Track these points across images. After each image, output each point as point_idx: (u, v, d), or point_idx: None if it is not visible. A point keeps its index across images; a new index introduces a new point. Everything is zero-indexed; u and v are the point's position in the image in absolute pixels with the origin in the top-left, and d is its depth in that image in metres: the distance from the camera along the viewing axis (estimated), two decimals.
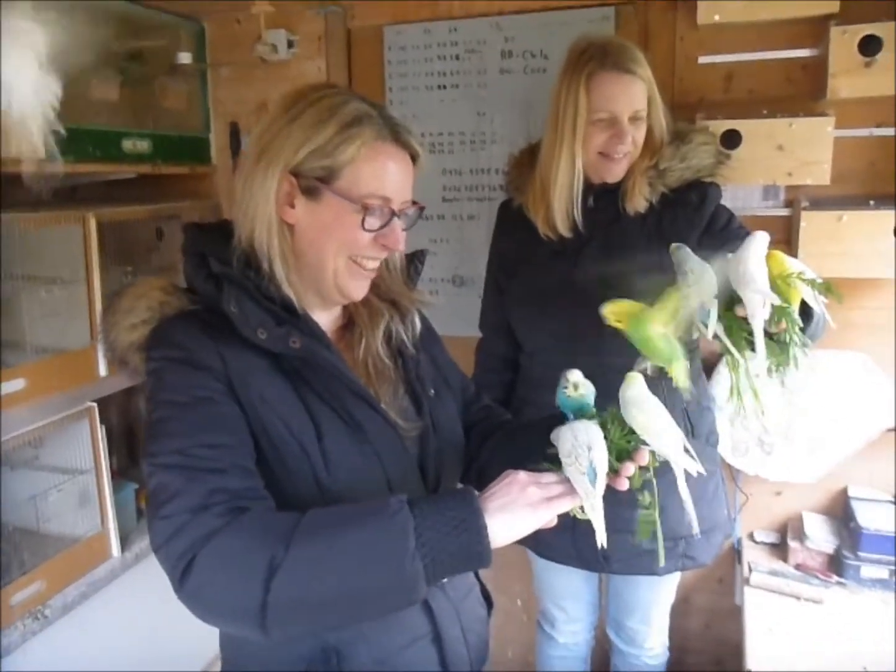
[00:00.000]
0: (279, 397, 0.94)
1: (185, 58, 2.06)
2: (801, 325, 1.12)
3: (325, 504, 0.89)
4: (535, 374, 1.71)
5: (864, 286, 1.77)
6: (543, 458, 0.95)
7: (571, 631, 1.91)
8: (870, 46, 1.58)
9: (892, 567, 1.72)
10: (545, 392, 1.60)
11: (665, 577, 1.67)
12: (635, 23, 1.90)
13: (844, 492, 1.91)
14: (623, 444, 0.94)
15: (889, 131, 1.73)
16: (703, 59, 1.85)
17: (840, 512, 1.92)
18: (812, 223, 1.68)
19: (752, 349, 1.17)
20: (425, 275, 2.16)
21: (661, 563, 0.98)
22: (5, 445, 1.52)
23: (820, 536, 1.85)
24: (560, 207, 1.55)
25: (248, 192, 0.96)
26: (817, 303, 1.14)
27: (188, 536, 0.82)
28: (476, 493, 0.87)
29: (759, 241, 1.12)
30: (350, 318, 1.10)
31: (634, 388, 0.99)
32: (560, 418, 1.04)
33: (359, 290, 1.01)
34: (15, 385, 1.51)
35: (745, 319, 1.14)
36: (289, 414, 0.94)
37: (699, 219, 1.55)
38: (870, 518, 1.77)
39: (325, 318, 1.05)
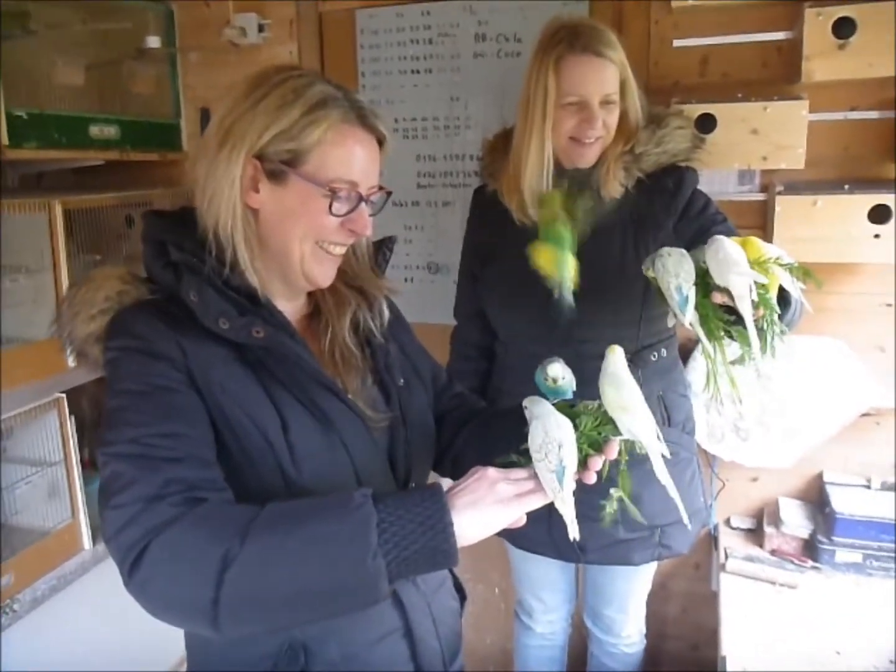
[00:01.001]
0: (242, 388, 0.92)
1: (153, 41, 2.01)
2: (779, 311, 1.11)
3: (288, 495, 0.87)
4: (509, 362, 1.69)
5: (838, 271, 1.76)
6: (515, 451, 0.93)
7: (548, 620, 1.91)
8: (843, 28, 1.56)
9: (866, 551, 1.73)
10: (520, 380, 1.59)
11: (641, 566, 1.67)
12: (609, 6, 1.88)
13: (820, 477, 1.91)
14: (594, 436, 0.93)
15: (865, 115, 1.73)
16: (677, 43, 1.83)
17: (815, 497, 1.92)
18: (787, 208, 1.67)
19: (729, 336, 1.17)
20: (400, 262, 2.18)
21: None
22: None
23: (795, 522, 1.85)
24: (531, 192, 1.53)
25: (212, 177, 0.93)
26: (795, 288, 1.13)
27: (140, 526, 0.79)
28: (444, 489, 0.84)
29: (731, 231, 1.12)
30: (315, 307, 1.07)
31: (614, 364, 0.98)
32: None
33: (325, 275, 0.99)
34: None
35: (721, 307, 1.13)
36: (252, 405, 0.91)
37: (675, 203, 1.53)
38: (844, 503, 1.77)
39: (290, 307, 1.03)
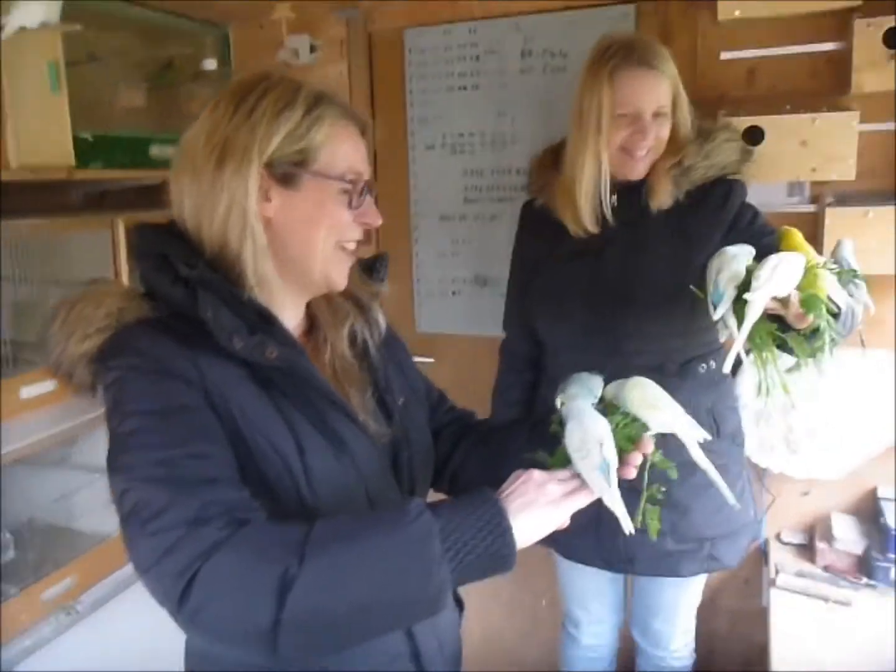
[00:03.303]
0: (259, 410, 0.88)
1: (210, 64, 2.09)
2: (833, 310, 1.11)
3: (304, 517, 0.84)
4: (558, 374, 1.70)
5: (891, 283, 1.74)
6: (549, 454, 0.94)
7: (595, 632, 1.90)
8: (894, 39, 1.55)
9: None
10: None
11: (690, 578, 1.66)
12: (655, 20, 1.88)
13: (873, 492, 1.88)
14: (629, 432, 0.94)
15: None
16: (724, 55, 1.83)
17: (869, 512, 1.89)
18: (837, 220, 1.66)
19: (779, 345, 1.17)
20: (448, 275, 2.22)
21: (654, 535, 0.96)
22: (38, 445, 1.56)
23: (848, 537, 1.82)
24: (587, 204, 1.54)
25: (215, 196, 0.89)
26: (843, 296, 1.13)
27: (186, 552, 0.75)
28: (494, 492, 0.84)
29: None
30: (311, 323, 1.04)
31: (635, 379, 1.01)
32: (534, 423, 1.03)
33: (344, 276, 0.97)
34: (45, 387, 1.55)
35: (771, 316, 1.14)
36: (270, 428, 0.88)
37: (724, 216, 1.53)
38: None
39: (291, 324, 0.99)
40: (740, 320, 1.14)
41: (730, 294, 1.15)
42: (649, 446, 0.93)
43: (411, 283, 2.27)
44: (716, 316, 1.16)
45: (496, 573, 0.81)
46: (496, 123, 2.07)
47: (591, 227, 1.56)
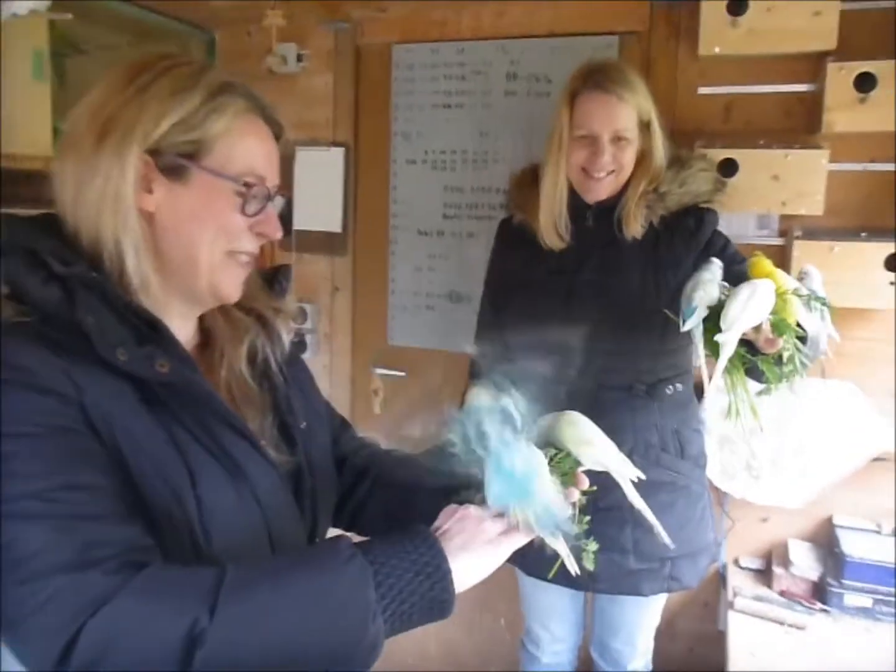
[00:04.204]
0: (146, 433, 0.76)
1: None
2: (802, 333, 1.16)
3: (195, 557, 0.75)
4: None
5: (853, 316, 1.79)
6: (475, 489, 0.85)
7: (556, 651, 1.90)
8: (865, 83, 1.62)
9: (875, 596, 1.74)
10: (538, 407, 1.63)
11: (651, 598, 1.68)
12: (637, 52, 1.94)
13: (829, 520, 1.92)
14: (563, 467, 0.90)
15: (883, 167, 1.78)
16: (702, 90, 1.89)
17: (825, 540, 1.93)
18: (805, 252, 1.72)
19: (748, 369, 1.22)
20: (422, 289, 2.23)
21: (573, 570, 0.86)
22: None
23: (805, 563, 1.86)
24: (547, 221, 1.59)
25: (90, 178, 0.78)
26: (812, 321, 1.18)
27: (68, 604, 0.63)
28: (429, 530, 0.77)
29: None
30: (205, 338, 0.92)
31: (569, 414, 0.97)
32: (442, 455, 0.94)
33: (235, 288, 0.86)
34: None
35: (741, 340, 1.18)
36: (159, 454, 0.76)
37: (696, 243, 1.58)
38: (854, 546, 1.78)
39: (183, 335, 0.86)
40: (711, 348, 1.18)
41: (700, 312, 1.20)
42: (584, 482, 0.88)
43: (386, 295, 2.28)
44: (684, 328, 1.20)
45: (434, 619, 0.74)
46: (478, 143, 2.10)
47: (552, 243, 1.60)
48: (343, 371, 2.36)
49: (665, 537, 0.98)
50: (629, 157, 1.55)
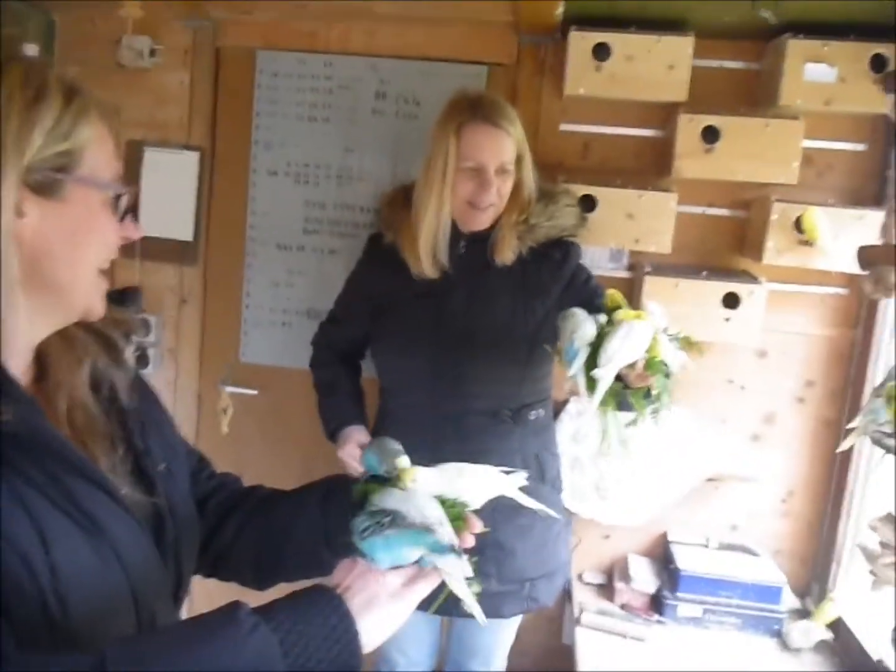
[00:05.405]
0: None
1: (31, 49, 1.89)
2: (669, 371, 1.24)
3: (47, 631, 0.67)
4: (392, 410, 1.72)
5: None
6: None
7: None
8: (710, 135, 1.77)
9: (705, 606, 1.89)
10: (401, 428, 1.62)
11: (509, 619, 1.72)
12: (504, 84, 2.00)
13: (664, 536, 2.07)
14: (455, 512, 0.86)
15: (719, 212, 1.95)
16: (563, 126, 1.99)
17: (660, 555, 2.07)
18: (653, 287, 1.85)
19: (618, 402, 1.29)
20: (279, 305, 2.15)
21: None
22: None
23: (643, 577, 1.98)
24: (426, 251, 1.59)
25: None
26: (676, 359, 1.26)
27: None
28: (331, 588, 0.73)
29: None
30: (39, 364, 0.79)
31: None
32: (326, 492, 0.92)
33: (103, 302, 0.78)
34: None
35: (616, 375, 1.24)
36: (4, 517, 0.65)
37: (561, 274, 1.64)
38: (687, 560, 1.93)
39: (19, 368, 0.74)
40: (589, 381, 1.24)
41: (582, 354, 1.25)
42: (477, 525, 0.84)
43: (240, 310, 2.17)
44: (570, 373, 1.25)
45: None
46: (343, 158, 2.07)
47: (430, 273, 1.60)
48: (189, 388, 2.22)
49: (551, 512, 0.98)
50: (509, 188, 1.58)
